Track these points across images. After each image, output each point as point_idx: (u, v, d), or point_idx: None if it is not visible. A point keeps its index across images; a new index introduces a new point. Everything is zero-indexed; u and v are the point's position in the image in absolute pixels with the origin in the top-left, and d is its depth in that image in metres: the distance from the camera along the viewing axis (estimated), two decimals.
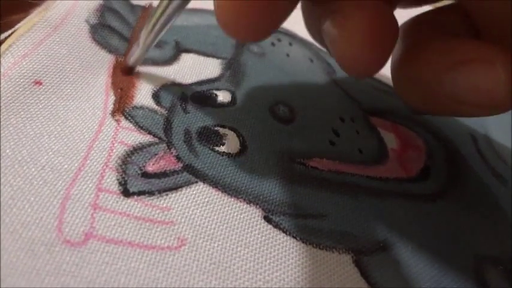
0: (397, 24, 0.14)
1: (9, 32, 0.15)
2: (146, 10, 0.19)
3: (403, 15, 0.17)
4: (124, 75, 0.16)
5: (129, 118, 0.14)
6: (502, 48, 0.13)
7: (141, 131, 0.14)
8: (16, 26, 0.15)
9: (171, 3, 0.13)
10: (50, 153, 0.12)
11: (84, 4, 0.17)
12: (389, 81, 0.21)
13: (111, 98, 0.15)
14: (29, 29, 0.15)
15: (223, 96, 0.16)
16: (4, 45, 0.14)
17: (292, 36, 0.22)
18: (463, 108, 0.14)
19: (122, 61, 0.16)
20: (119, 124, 0.14)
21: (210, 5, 0.20)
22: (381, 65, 0.14)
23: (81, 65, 0.15)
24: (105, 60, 0.16)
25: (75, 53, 0.15)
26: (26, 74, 0.14)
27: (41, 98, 0.13)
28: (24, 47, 0.14)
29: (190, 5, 0.20)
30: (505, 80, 0.13)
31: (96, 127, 0.14)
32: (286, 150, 0.15)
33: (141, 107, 0.15)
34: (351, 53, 0.13)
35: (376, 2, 0.13)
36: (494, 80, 0.13)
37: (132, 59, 0.15)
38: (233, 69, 0.18)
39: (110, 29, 0.17)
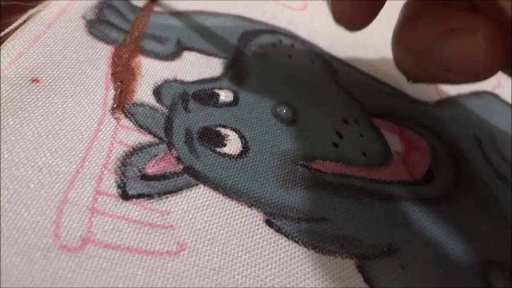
0: None
1: (3, 33, 0.14)
2: (145, 8, 0.18)
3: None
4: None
5: (129, 116, 0.14)
6: (484, 18, 0.14)
7: (141, 130, 0.14)
8: (8, 29, 0.14)
9: None
10: (48, 154, 0.12)
11: (81, 2, 0.17)
12: (393, 83, 0.21)
13: (111, 93, 0.14)
14: (23, 29, 0.15)
15: (225, 96, 0.16)
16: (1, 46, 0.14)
17: (294, 38, 0.21)
18: (450, 75, 0.15)
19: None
20: (118, 122, 0.14)
21: (211, 7, 0.20)
22: (365, 21, 0.16)
23: (78, 59, 0.15)
24: (104, 51, 0.15)
25: (71, 48, 0.15)
26: (22, 72, 0.13)
27: (39, 96, 0.13)
28: (20, 46, 0.14)
29: (191, 7, 0.20)
30: (486, 48, 0.14)
31: (95, 125, 0.13)
32: (288, 151, 0.15)
33: (142, 104, 0.14)
34: (340, 7, 0.16)
35: None
36: (475, 48, 0.14)
37: None
38: (235, 69, 0.17)
39: (108, 23, 0.17)
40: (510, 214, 0.17)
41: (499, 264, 0.15)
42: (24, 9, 0.15)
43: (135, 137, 0.13)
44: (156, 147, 0.13)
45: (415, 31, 0.16)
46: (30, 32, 0.15)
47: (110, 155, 0.13)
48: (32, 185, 0.11)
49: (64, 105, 0.13)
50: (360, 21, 0.16)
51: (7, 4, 0.15)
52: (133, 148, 0.13)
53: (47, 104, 0.13)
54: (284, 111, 0.17)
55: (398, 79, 0.18)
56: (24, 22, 0.15)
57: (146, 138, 0.14)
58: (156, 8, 0.19)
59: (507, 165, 0.20)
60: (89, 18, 0.16)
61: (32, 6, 0.16)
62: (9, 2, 0.15)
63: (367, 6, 0.16)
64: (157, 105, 0.15)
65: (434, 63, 0.15)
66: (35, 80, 0.13)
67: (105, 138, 0.13)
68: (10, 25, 0.15)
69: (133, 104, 0.14)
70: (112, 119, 0.14)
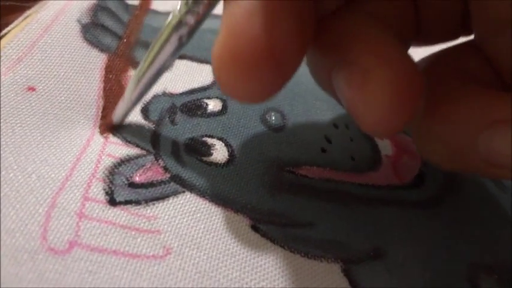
0: (424, 78, 0.11)
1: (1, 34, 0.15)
2: (140, 8, 0.19)
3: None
4: (109, 130, 0.14)
5: (117, 135, 0.14)
6: None
7: (129, 144, 0.14)
8: (5, 30, 0.15)
9: (159, 55, 0.12)
10: (37, 162, 0.12)
11: (77, 4, 0.17)
12: None
13: (101, 111, 0.15)
14: (21, 30, 0.15)
15: (213, 105, 0.16)
16: None
17: None
18: (499, 171, 0.13)
19: (107, 119, 0.15)
20: (106, 140, 0.14)
21: None
22: (407, 124, 0.12)
23: (74, 69, 0.15)
24: (97, 61, 0.16)
25: (67, 55, 0.15)
26: (19, 80, 0.14)
27: (33, 104, 0.14)
28: (18, 50, 0.14)
29: None
30: None
31: (84, 142, 0.14)
32: (275, 158, 0.15)
33: (129, 124, 0.15)
34: (374, 117, 0.11)
35: (399, 50, 0.11)
36: None
37: (117, 115, 0.14)
38: None
39: (103, 27, 0.17)
40: (501, 217, 0.17)
41: (489, 267, 0.15)
42: (22, 10, 0.16)
43: (123, 150, 0.14)
44: (143, 158, 0.14)
45: (448, 119, 0.13)
46: (27, 35, 0.15)
47: (99, 165, 0.13)
48: (21, 190, 0.12)
49: (56, 118, 0.14)
50: (399, 128, 0.12)
51: (6, 4, 0.16)
52: (121, 159, 0.14)
53: (40, 114, 0.14)
54: (273, 117, 0.17)
55: None
56: (20, 23, 0.15)
57: (134, 151, 0.14)
58: (152, 6, 0.19)
59: None
60: (83, 22, 0.17)
61: (30, 7, 0.16)
62: (8, 2, 0.16)
63: (408, 112, 0.11)
64: (144, 122, 0.15)
65: (479, 158, 0.12)
66: (31, 88, 0.14)
67: (93, 152, 0.13)
68: (9, 25, 0.15)
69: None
70: (101, 138, 0.14)
